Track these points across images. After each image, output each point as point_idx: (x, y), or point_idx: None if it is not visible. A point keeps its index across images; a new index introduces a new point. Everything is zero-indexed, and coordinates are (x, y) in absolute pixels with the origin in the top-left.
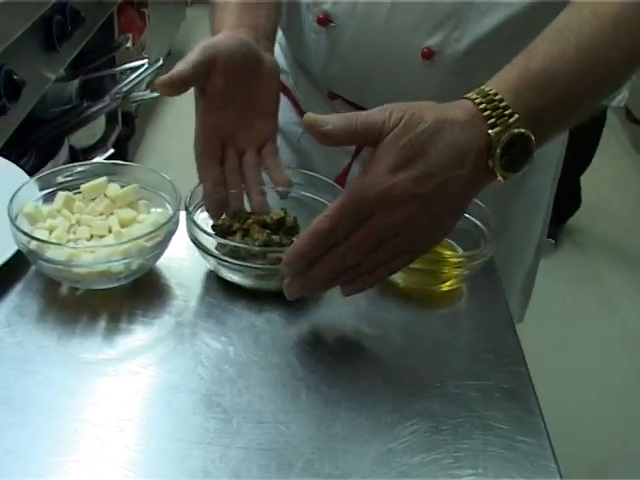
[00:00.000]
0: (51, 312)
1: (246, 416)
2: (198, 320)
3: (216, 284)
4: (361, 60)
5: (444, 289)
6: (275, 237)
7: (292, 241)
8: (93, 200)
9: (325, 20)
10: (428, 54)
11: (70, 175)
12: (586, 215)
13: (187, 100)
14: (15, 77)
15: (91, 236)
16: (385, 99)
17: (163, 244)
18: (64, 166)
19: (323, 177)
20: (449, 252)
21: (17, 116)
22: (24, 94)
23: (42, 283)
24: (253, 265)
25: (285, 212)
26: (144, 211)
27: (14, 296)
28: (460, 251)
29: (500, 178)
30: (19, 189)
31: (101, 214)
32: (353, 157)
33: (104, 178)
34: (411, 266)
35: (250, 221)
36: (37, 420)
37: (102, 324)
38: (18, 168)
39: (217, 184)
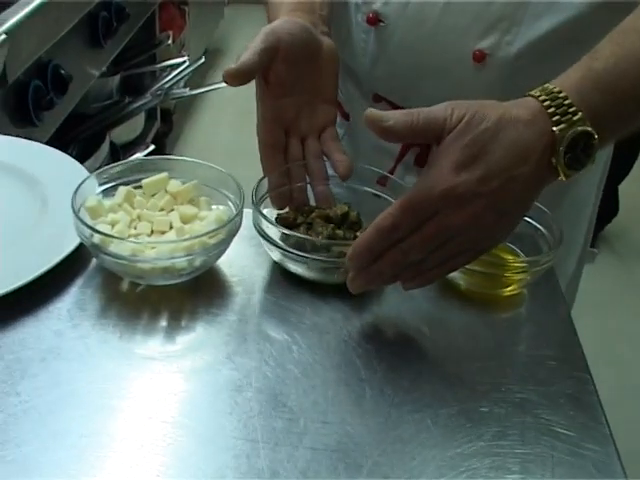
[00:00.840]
0: (112, 307)
1: (312, 416)
2: (261, 318)
3: (278, 281)
4: (410, 61)
5: (505, 294)
6: (339, 232)
7: (355, 236)
8: (153, 196)
9: (375, 20)
10: (480, 57)
11: (129, 170)
12: (624, 222)
13: (221, 97)
14: (62, 72)
15: (152, 232)
16: (433, 102)
17: (226, 242)
18: (124, 161)
19: (388, 174)
20: (512, 257)
21: (63, 111)
22: (70, 89)
23: (102, 278)
24: (317, 257)
25: (349, 207)
26: (205, 208)
27: (75, 290)
28: (522, 256)
29: (562, 177)
30: (82, 183)
31: (162, 210)
32: (397, 161)
33: (165, 174)
34: (473, 269)
35: (314, 215)
36: (101, 416)
37: (163, 321)
38: (75, 161)
39: (282, 175)
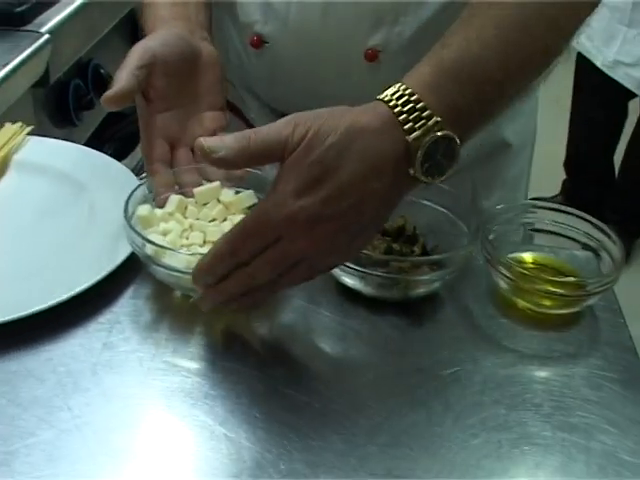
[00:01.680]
0: (164, 320)
1: (373, 439)
2: (317, 334)
3: (333, 296)
4: (304, 76)
5: (564, 312)
6: (395, 245)
7: (412, 250)
8: (205, 205)
9: (259, 42)
10: (372, 55)
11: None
12: None
13: None
14: (102, 72)
15: (204, 242)
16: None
17: None
18: (176, 169)
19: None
20: (574, 277)
21: (101, 111)
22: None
23: (153, 288)
24: (374, 272)
25: (405, 220)
26: None
27: (126, 301)
28: (583, 276)
29: (424, 184)
30: (133, 191)
31: (214, 220)
32: None
33: (217, 183)
34: (555, 291)
35: None
36: (156, 433)
37: (217, 334)
38: (124, 167)
39: (171, 186)
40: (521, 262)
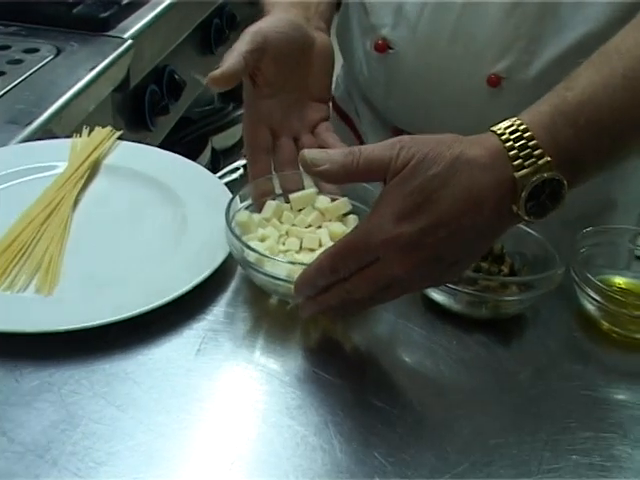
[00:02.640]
0: (261, 326)
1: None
2: (407, 349)
3: (421, 312)
4: (423, 88)
5: None
6: (484, 264)
7: (500, 269)
8: (301, 211)
9: (384, 47)
10: (495, 81)
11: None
12: None
13: None
14: (177, 78)
15: (300, 248)
16: (450, 130)
17: None
18: (269, 175)
19: None
20: None
21: (175, 116)
22: (182, 95)
23: (249, 294)
24: (464, 290)
25: None
26: (353, 226)
27: (221, 307)
28: None
29: (524, 222)
30: (234, 197)
31: (309, 226)
32: None
33: (313, 189)
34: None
35: None
36: (258, 439)
37: (313, 342)
38: (211, 174)
39: (268, 180)
40: (610, 285)
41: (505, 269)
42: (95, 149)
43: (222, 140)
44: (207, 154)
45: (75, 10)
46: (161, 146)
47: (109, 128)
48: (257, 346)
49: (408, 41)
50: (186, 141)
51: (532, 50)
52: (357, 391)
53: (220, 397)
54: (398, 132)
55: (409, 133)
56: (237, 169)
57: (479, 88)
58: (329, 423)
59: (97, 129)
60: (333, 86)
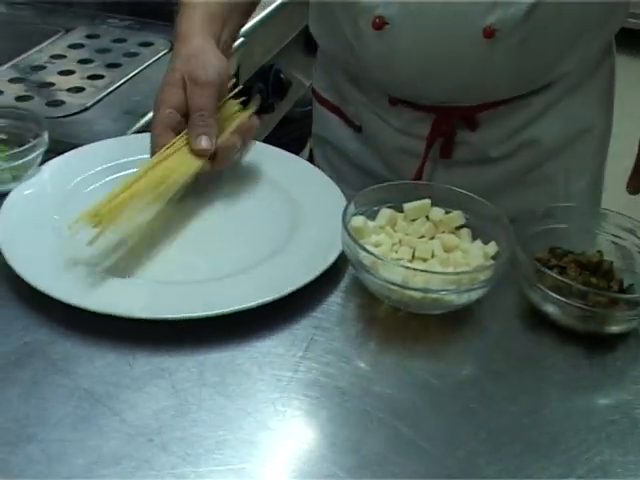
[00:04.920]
0: (373, 328)
1: None
2: (511, 359)
3: (525, 322)
4: (422, 55)
5: None
6: (593, 279)
7: (609, 286)
8: (414, 221)
9: (381, 23)
10: (490, 32)
11: (390, 193)
12: None
13: None
14: (282, 77)
15: (413, 257)
16: (450, 90)
17: (494, 280)
18: (386, 183)
19: None
20: None
21: (279, 114)
22: (287, 95)
23: (361, 296)
24: (574, 303)
25: (602, 256)
26: (467, 240)
27: (332, 307)
28: None
29: None
30: (350, 202)
31: (422, 236)
32: (424, 155)
33: (427, 200)
34: None
35: (567, 259)
36: (368, 435)
37: (422, 348)
38: (328, 178)
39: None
40: None
41: (615, 286)
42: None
43: None
44: (305, 154)
45: None
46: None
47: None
48: (367, 348)
49: (403, 13)
50: (285, 140)
51: (515, 2)
52: (462, 399)
53: (327, 394)
54: (395, 102)
55: (407, 101)
56: None
57: (475, 42)
58: (440, 430)
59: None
60: (314, 79)
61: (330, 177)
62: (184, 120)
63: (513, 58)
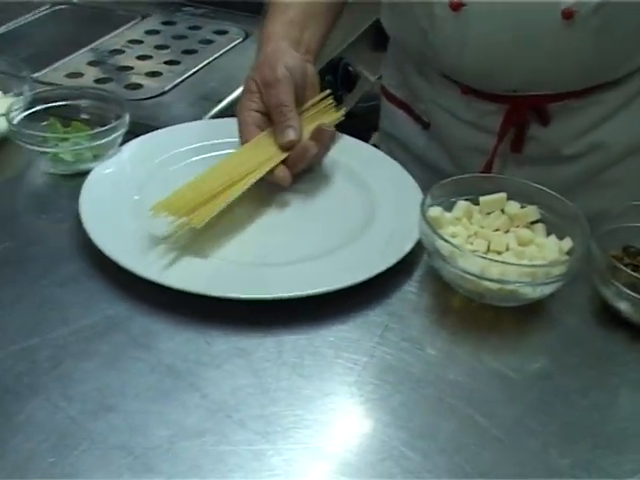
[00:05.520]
0: (447, 317)
1: None
2: (582, 355)
3: (596, 318)
4: (498, 36)
5: None
6: None
7: None
8: (489, 214)
9: (458, 4)
10: (569, 14)
11: (466, 185)
12: None
13: None
14: (351, 70)
15: (488, 250)
16: (525, 75)
17: (569, 275)
18: (462, 175)
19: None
20: None
21: (346, 107)
22: (355, 89)
23: (435, 285)
24: None
25: None
26: (541, 234)
27: (407, 295)
28: None
29: None
30: (428, 193)
31: (497, 230)
32: (495, 148)
33: (503, 194)
34: None
35: None
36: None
37: (495, 339)
38: (401, 167)
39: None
40: None
41: None
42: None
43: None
44: None
45: None
46: None
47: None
48: (441, 337)
49: None
50: (349, 134)
51: None
52: (537, 391)
53: (402, 380)
54: (468, 91)
55: (479, 90)
56: None
57: (553, 23)
58: (513, 420)
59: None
60: (383, 77)
61: None
62: (268, 120)
63: (589, 44)
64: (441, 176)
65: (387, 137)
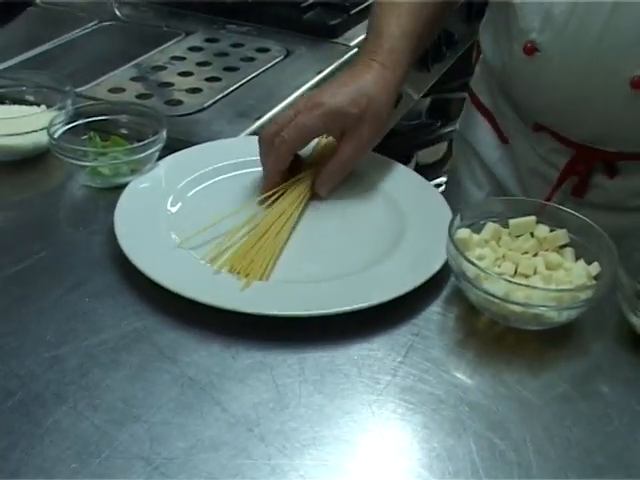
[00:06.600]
0: (472, 339)
1: None
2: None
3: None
4: (567, 89)
5: None
6: None
7: None
8: (518, 237)
9: (532, 49)
10: (638, 84)
11: (496, 207)
12: None
13: None
14: None
15: (515, 273)
16: (591, 130)
17: (595, 301)
18: (492, 198)
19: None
20: None
21: (389, 125)
22: (397, 107)
23: (462, 307)
24: None
25: None
26: (570, 259)
27: (432, 315)
28: None
29: None
30: (457, 214)
31: (525, 253)
32: (554, 188)
33: (533, 217)
34: None
35: None
36: (472, 443)
37: (520, 362)
38: (432, 186)
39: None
40: None
41: None
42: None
43: (427, 155)
44: (411, 168)
45: (306, 15)
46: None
47: None
48: (465, 358)
49: (556, 43)
50: (390, 152)
51: None
52: (558, 417)
53: (423, 401)
54: (539, 127)
55: (551, 130)
56: (440, 185)
57: (621, 90)
58: (532, 444)
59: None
60: (472, 81)
61: (460, 177)
62: None
63: None
64: (505, 194)
65: (463, 141)
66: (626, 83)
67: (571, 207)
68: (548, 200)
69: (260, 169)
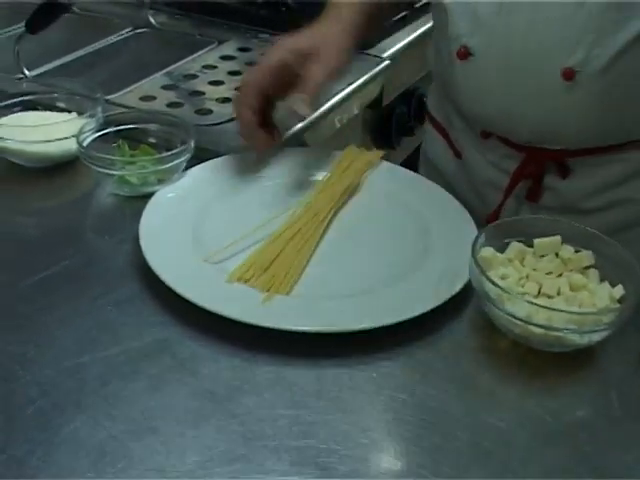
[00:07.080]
0: (486, 363)
1: None
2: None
3: None
4: (504, 90)
5: None
6: None
7: None
8: (543, 257)
9: (465, 54)
10: (569, 74)
11: (521, 226)
12: None
13: None
14: (425, 101)
15: (539, 293)
16: (534, 129)
17: (616, 325)
18: (518, 217)
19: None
20: None
21: (418, 139)
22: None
23: (485, 326)
24: None
25: None
26: (594, 280)
27: (456, 334)
28: None
29: None
30: (481, 232)
31: (549, 273)
32: (505, 195)
33: (558, 237)
34: None
35: None
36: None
37: (542, 385)
38: (462, 207)
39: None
40: None
41: None
42: (360, 170)
43: None
44: None
45: None
46: (401, 165)
47: (379, 152)
48: (485, 379)
49: (486, 45)
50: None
51: (602, 42)
52: (577, 441)
53: (441, 421)
54: (487, 135)
55: (498, 135)
56: None
57: (555, 83)
58: (548, 469)
59: (365, 151)
60: (428, 98)
61: None
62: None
63: (593, 107)
64: (464, 205)
65: (426, 160)
66: (558, 76)
67: (527, 212)
68: (501, 206)
69: (290, 179)
